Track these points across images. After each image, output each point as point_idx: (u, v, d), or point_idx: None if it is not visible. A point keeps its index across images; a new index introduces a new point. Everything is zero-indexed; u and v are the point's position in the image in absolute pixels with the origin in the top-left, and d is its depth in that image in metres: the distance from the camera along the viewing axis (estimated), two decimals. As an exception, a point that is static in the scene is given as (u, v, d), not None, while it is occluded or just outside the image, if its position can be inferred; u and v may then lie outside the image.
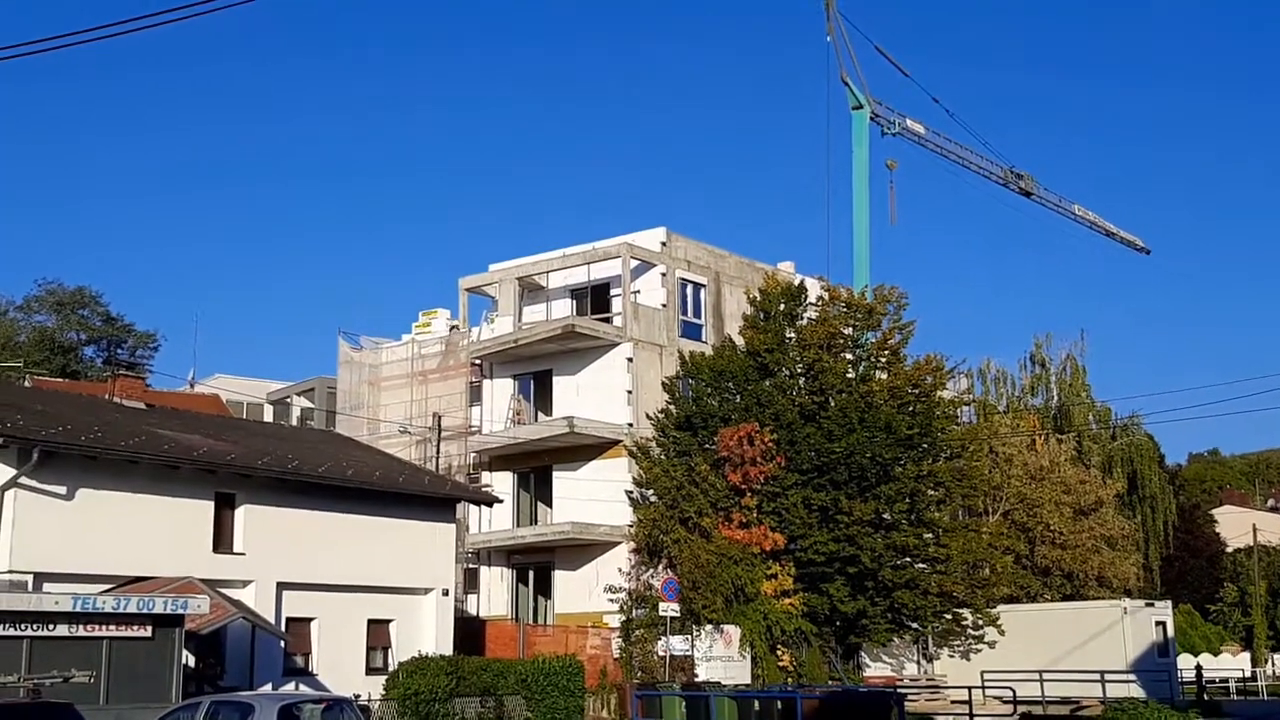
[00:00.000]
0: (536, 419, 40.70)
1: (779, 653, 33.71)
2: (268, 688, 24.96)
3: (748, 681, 32.27)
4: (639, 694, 29.76)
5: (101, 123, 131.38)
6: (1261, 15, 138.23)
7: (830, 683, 33.76)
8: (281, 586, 26.37)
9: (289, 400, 54.06)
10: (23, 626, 17.82)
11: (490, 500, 36.24)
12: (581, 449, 38.52)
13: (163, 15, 15.17)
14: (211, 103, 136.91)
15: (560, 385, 40.29)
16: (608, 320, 40.08)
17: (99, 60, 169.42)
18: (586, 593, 37.03)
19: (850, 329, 37.60)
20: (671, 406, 37.04)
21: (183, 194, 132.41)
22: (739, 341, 37.92)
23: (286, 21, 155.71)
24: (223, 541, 25.61)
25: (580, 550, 38.00)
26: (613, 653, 33.84)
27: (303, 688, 25.35)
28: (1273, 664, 58.83)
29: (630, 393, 38.71)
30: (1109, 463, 58.00)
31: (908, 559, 35.37)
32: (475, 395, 42.03)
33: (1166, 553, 60.88)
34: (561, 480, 39.31)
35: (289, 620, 26.60)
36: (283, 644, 26.25)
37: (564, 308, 41.97)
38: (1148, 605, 39.75)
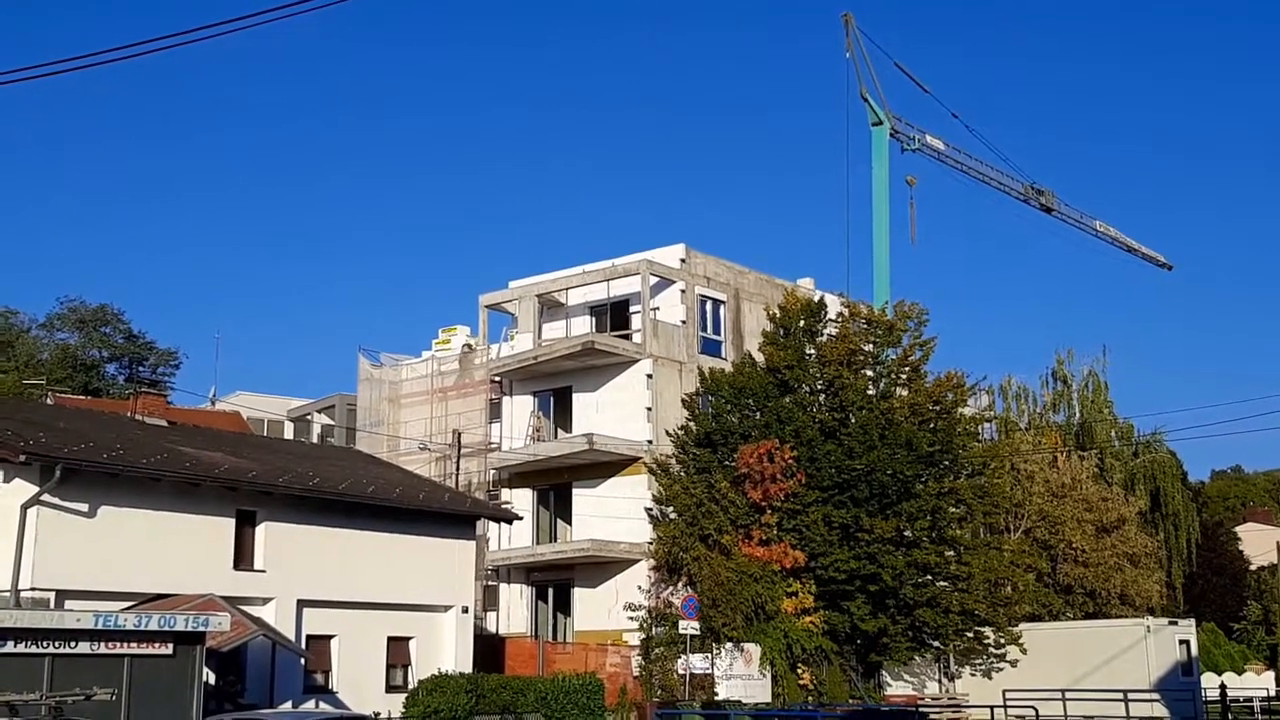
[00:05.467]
0: (556, 436, 40.71)
1: (799, 671, 33.57)
2: (288, 705, 25.02)
3: (768, 700, 32.18)
4: (659, 712, 29.76)
5: (120, 143, 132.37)
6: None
7: (851, 701, 33.59)
8: (302, 604, 26.45)
9: (309, 417, 54.21)
10: (44, 644, 17.83)
11: (510, 517, 36.25)
12: (601, 466, 38.51)
13: (197, 32, 15.24)
14: (231, 120, 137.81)
15: (580, 402, 40.30)
16: (627, 337, 40.09)
17: (119, 78, 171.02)
18: (606, 610, 36.97)
19: (870, 345, 37.50)
20: (691, 423, 37.00)
21: (204, 213, 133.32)
22: (759, 358, 37.87)
23: (296, 44, 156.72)
24: (244, 559, 25.70)
25: (600, 567, 37.95)
26: (632, 671, 33.77)
27: (323, 705, 25.42)
28: (1297, 682, 58.19)
29: (650, 409, 38.69)
30: (1131, 480, 57.56)
31: (929, 577, 35.21)
32: (495, 412, 42.08)
33: (1190, 570, 60.34)
34: (581, 497, 39.29)
35: (309, 638, 26.67)
36: (303, 661, 26.31)
37: (583, 324, 42.01)
38: (1171, 624, 39.37)
